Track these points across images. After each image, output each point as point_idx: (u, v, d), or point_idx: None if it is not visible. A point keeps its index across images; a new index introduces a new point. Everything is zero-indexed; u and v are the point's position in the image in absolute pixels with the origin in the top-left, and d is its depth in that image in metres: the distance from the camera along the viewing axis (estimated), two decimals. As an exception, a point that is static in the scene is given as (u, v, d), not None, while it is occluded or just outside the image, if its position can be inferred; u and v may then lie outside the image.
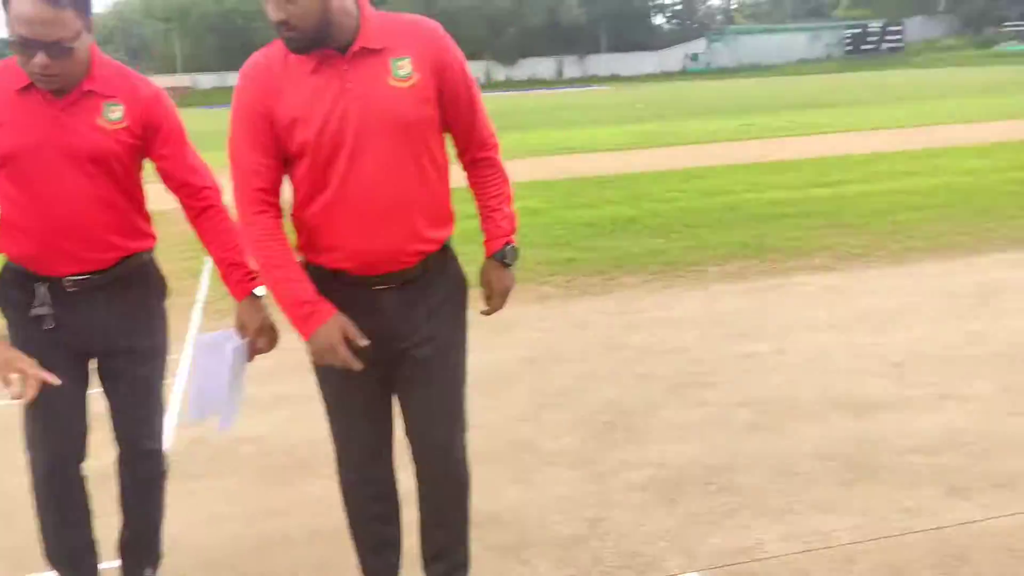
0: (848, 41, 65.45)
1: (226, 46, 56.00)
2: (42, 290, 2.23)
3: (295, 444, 3.62)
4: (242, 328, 2.27)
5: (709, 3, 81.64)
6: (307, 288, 2.05)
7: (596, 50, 70.61)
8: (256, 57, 2.08)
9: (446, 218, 2.19)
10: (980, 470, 3.08)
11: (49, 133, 2.13)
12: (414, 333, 2.16)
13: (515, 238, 2.27)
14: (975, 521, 2.76)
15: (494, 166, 2.25)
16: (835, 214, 8.02)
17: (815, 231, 7.37)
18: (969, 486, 2.97)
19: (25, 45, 1.99)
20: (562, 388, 4.17)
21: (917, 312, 5.07)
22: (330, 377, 2.19)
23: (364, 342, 2.05)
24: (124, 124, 2.20)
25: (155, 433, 2.45)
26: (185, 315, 5.52)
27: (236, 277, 2.30)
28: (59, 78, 2.08)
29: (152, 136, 2.26)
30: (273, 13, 1.92)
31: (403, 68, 2.02)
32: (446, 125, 2.13)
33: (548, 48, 65.82)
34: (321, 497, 2.90)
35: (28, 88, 2.11)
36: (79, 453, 2.35)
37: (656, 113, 24.63)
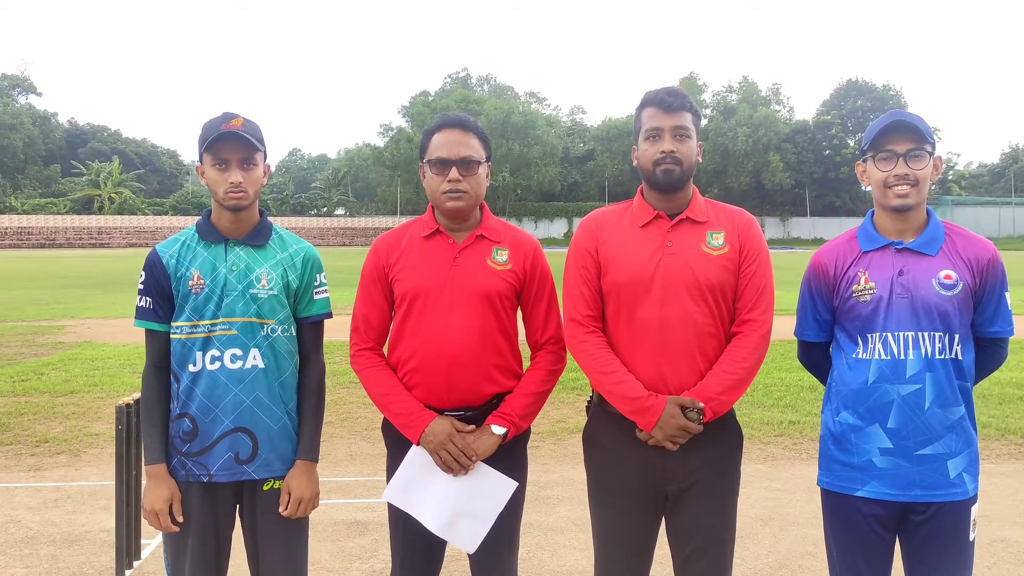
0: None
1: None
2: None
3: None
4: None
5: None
6: (638, 386, 2.35)
7: (800, 213, 69.87)
8: (596, 211, 2.54)
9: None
10: None
11: (448, 272, 2.42)
12: (685, 475, 2.39)
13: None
14: None
15: (754, 333, 2.41)
16: None
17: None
18: None
19: (442, 164, 2.42)
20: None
21: None
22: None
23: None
24: (509, 266, 2.47)
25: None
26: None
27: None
28: (466, 196, 2.42)
29: (529, 282, 2.52)
30: (668, 144, 2.34)
31: (717, 240, 2.40)
32: (736, 294, 2.43)
33: (751, 209, 65.77)
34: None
35: (432, 235, 2.49)
36: None
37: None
